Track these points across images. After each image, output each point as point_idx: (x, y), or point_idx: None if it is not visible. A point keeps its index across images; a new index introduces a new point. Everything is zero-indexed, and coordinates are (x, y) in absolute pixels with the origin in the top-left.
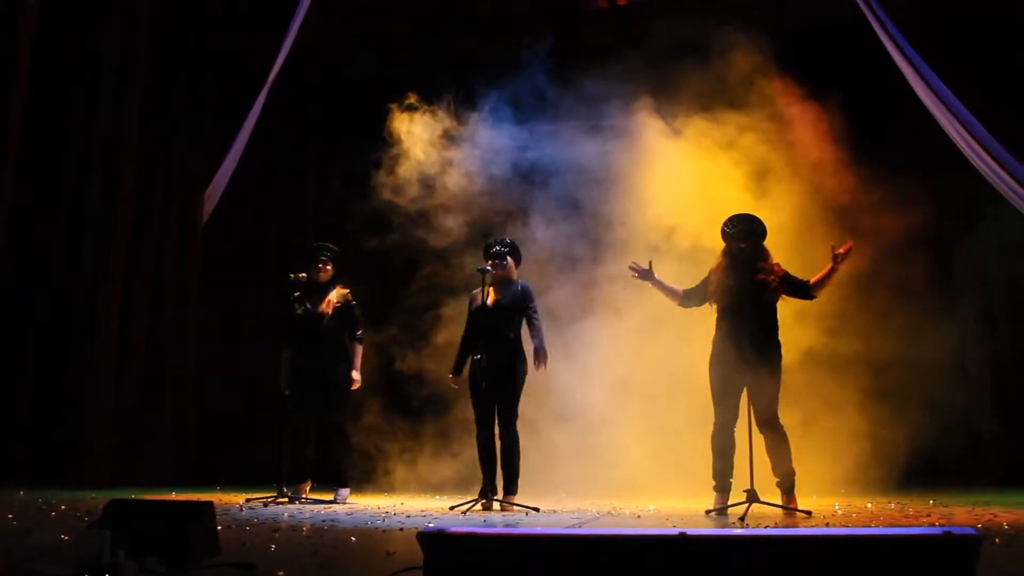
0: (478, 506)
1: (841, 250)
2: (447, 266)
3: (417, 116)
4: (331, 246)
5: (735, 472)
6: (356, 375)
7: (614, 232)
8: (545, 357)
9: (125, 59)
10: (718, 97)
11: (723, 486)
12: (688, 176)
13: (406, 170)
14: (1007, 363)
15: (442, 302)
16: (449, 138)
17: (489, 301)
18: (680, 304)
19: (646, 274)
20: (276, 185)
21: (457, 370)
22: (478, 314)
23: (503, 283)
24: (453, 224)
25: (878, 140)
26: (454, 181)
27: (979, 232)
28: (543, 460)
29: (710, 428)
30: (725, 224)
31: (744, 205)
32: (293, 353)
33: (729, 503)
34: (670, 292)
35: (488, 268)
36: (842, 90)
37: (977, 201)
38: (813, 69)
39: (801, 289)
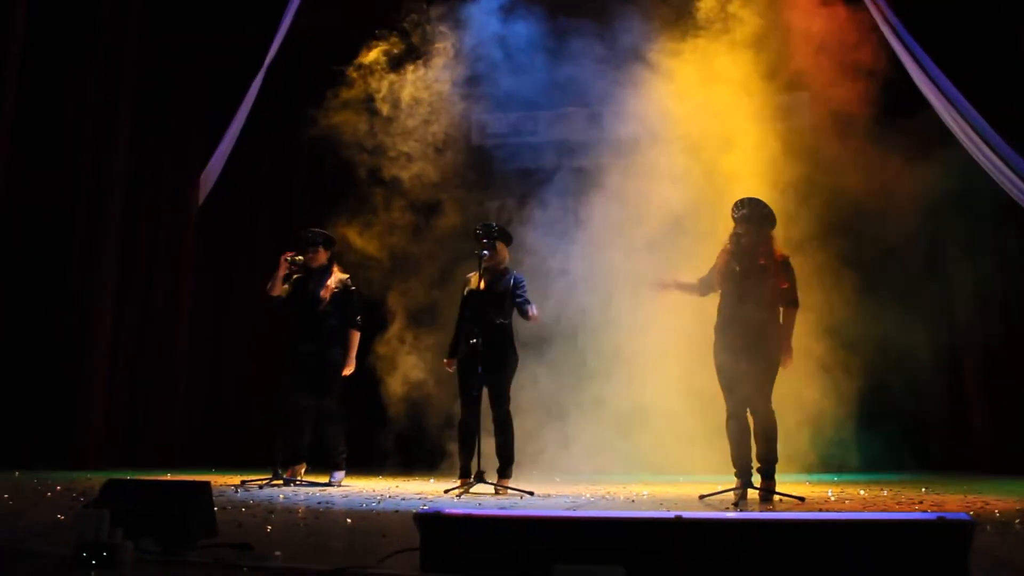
0: (468, 487)
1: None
2: (444, 250)
3: (412, 101)
4: (320, 231)
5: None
6: (350, 361)
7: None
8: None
9: (118, 44)
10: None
11: (744, 470)
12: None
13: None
14: (998, 350)
15: (440, 285)
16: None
17: (481, 285)
18: (700, 295)
19: (664, 286)
20: (270, 171)
21: (452, 353)
22: (470, 298)
23: (493, 268)
24: (447, 206)
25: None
26: (450, 162)
27: (971, 216)
28: (538, 445)
29: (707, 411)
30: (733, 207)
31: None
32: (289, 336)
33: (723, 488)
34: (688, 288)
35: (485, 253)
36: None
37: (970, 184)
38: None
39: (787, 296)
